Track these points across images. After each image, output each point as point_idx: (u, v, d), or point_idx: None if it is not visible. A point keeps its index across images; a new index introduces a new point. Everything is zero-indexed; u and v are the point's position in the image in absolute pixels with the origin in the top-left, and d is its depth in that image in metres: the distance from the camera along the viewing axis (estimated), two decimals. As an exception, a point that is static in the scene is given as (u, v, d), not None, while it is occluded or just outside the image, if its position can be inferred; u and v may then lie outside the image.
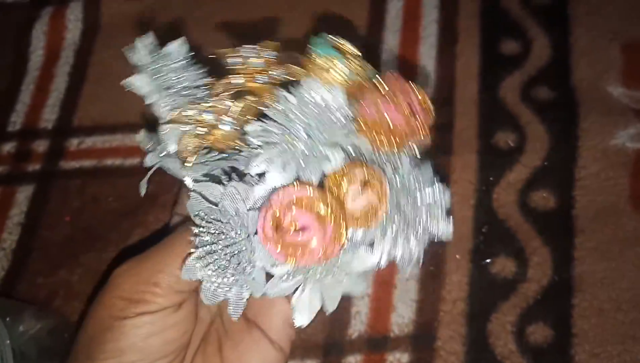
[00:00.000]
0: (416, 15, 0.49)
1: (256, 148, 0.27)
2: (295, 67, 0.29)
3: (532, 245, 0.40)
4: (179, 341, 0.29)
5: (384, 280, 0.40)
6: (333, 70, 0.28)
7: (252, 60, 0.28)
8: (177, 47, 0.30)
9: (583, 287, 0.38)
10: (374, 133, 0.28)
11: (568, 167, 0.41)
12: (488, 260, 0.40)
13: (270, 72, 0.29)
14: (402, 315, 0.39)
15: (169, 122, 0.28)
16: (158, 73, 0.29)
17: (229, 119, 0.28)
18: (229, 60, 0.29)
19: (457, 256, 0.40)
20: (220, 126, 0.28)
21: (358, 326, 0.39)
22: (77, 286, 0.42)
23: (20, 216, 0.45)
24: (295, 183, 0.27)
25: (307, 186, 0.27)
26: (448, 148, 0.43)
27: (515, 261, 0.39)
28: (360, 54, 0.29)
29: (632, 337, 0.36)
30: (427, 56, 0.47)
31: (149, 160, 0.30)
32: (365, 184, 0.27)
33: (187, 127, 0.28)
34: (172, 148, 0.29)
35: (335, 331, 0.39)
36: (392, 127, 0.27)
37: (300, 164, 0.27)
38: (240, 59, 0.28)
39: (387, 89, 0.27)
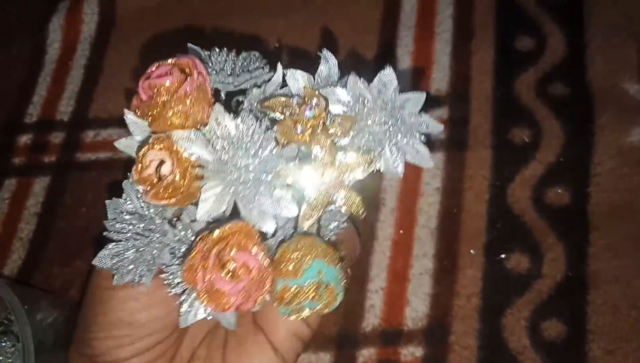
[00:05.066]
0: (431, 11, 0.49)
1: None
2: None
3: (547, 241, 0.40)
4: (166, 319, 0.29)
5: (398, 273, 0.40)
6: None
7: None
8: None
9: (597, 284, 0.38)
10: None
11: (583, 163, 0.41)
12: (502, 256, 0.40)
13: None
14: (416, 309, 0.39)
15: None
16: None
17: None
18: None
19: (472, 251, 0.40)
20: None
21: (372, 319, 0.39)
22: (92, 277, 0.43)
23: (37, 207, 0.46)
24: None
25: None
26: (463, 143, 0.43)
27: (530, 257, 0.39)
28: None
29: (647, 334, 0.36)
30: (442, 52, 0.47)
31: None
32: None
33: None
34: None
35: (349, 324, 0.39)
36: None
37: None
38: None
39: None
